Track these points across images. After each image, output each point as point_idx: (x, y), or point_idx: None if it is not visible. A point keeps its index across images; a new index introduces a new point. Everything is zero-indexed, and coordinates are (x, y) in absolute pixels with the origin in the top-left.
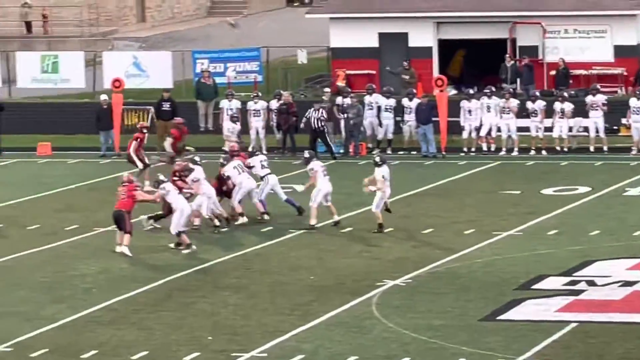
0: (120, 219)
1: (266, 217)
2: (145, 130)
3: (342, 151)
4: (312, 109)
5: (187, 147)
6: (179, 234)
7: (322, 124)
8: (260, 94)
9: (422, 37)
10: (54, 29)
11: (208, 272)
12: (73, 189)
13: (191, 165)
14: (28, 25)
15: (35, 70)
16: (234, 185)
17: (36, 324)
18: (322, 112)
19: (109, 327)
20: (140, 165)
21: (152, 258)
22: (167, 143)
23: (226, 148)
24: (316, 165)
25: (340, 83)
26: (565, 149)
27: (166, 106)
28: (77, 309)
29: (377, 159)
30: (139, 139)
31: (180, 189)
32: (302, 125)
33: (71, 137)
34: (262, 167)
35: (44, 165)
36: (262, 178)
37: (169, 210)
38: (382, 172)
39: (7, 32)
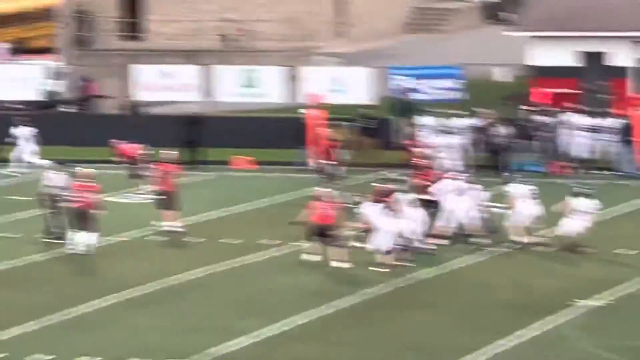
0: (324, 232)
1: (483, 240)
2: (338, 145)
3: (539, 170)
4: (501, 126)
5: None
6: (382, 252)
7: (509, 141)
8: (458, 112)
9: (620, 56)
10: (254, 43)
11: (401, 288)
12: (270, 203)
13: (392, 185)
14: (228, 39)
15: (234, 84)
16: (439, 205)
17: (231, 338)
18: (510, 130)
19: (302, 342)
20: (329, 174)
21: (345, 273)
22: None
23: (413, 163)
24: (515, 187)
25: (537, 101)
26: None
27: (365, 122)
28: (271, 324)
29: (578, 189)
30: (329, 151)
31: (384, 207)
32: (492, 142)
33: (269, 151)
34: (464, 184)
35: (242, 178)
36: (463, 196)
37: (369, 228)
38: (578, 204)
39: (208, 46)
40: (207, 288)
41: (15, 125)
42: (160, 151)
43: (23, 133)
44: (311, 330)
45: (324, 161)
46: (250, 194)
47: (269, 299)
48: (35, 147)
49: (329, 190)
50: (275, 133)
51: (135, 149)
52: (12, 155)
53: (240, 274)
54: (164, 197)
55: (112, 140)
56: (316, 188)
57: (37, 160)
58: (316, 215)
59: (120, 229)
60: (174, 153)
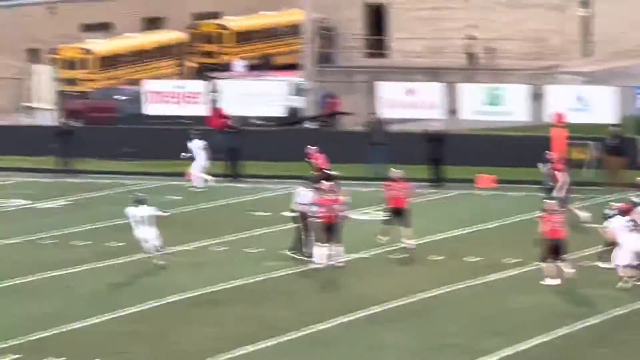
0: (560, 248)
1: None
2: (568, 164)
3: None
4: None
5: None
6: (626, 269)
7: None
8: None
9: None
10: (498, 61)
11: None
12: (514, 222)
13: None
14: (472, 57)
15: (478, 102)
16: None
17: (472, 357)
18: None
19: None
20: (559, 194)
21: (587, 293)
22: None
23: None
24: None
25: None
26: None
27: (613, 142)
28: (513, 344)
29: None
30: (561, 170)
31: (628, 223)
32: None
33: (513, 169)
34: None
35: (485, 197)
36: None
37: (614, 244)
38: None
39: (452, 64)
40: (448, 306)
41: (191, 139)
42: (391, 169)
43: (197, 146)
44: (552, 351)
45: (559, 179)
46: (492, 213)
47: (510, 319)
48: (206, 161)
49: (558, 203)
50: (518, 151)
51: (326, 161)
52: (192, 168)
53: (481, 292)
54: (397, 214)
55: (311, 147)
56: (546, 201)
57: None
58: (548, 230)
59: (362, 246)
60: (400, 171)
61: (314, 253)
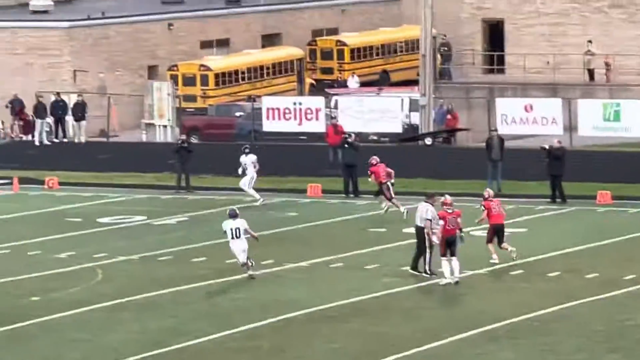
0: None
1: None
2: None
3: None
4: None
5: None
6: None
7: None
8: None
9: None
10: (617, 77)
11: None
12: (633, 238)
13: None
14: (591, 72)
15: (596, 118)
16: None
17: None
18: None
19: None
20: None
21: None
22: None
23: None
24: None
25: None
26: None
27: None
28: None
29: None
30: None
31: None
32: None
33: (632, 185)
34: None
35: (604, 213)
36: None
37: None
38: None
39: (570, 79)
40: (566, 323)
41: (246, 154)
42: (486, 189)
43: (250, 161)
44: None
45: None
46: (610, 229)
47: (628, 335)
48: (254, 175)
49: None
50: (636, 167)
51: (383, 174)
52: (241, 182)
53: (600, 309)
54: (498, 230)
55: (374, 157)
56: None
57: (249, 189)
58: None
59: (479, 262)
60: (490, 191)
61: (435, 270)
